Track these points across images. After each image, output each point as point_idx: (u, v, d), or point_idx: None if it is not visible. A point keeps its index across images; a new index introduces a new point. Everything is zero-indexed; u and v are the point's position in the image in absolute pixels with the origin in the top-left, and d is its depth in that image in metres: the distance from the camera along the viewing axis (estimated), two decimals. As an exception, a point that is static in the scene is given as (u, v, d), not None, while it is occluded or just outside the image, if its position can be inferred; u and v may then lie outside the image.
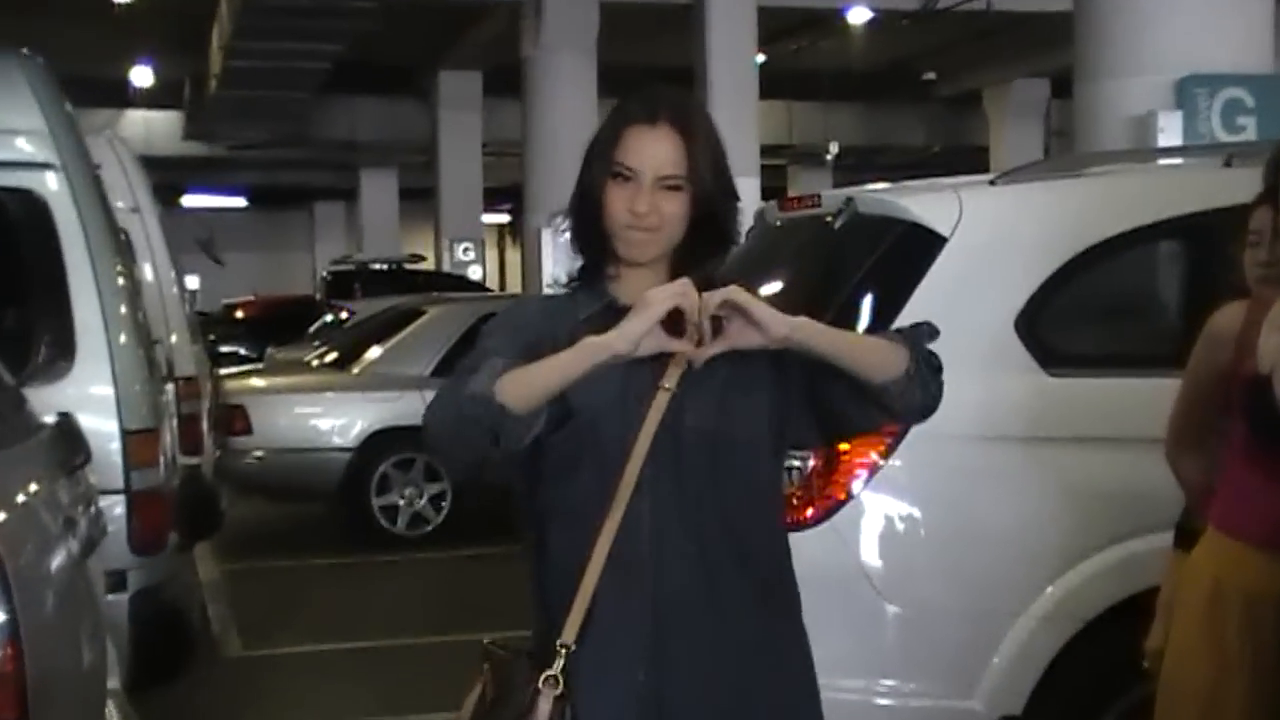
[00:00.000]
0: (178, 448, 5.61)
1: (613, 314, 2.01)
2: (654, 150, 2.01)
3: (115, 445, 3.94)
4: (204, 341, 9.07)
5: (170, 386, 5.87)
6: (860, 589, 3.21)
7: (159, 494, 4.09)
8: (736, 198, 2.07)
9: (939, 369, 2.03)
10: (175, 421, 5.85)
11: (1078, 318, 3.55)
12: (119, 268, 4.05)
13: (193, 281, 22.78)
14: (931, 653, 3.25)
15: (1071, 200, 3.59)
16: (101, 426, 3.85)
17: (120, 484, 3.95)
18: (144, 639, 3.98)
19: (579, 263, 2.10)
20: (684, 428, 1.99)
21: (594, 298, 2.05)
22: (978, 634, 3.25)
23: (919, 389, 1.99)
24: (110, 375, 3.94)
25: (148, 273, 6.27)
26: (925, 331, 2.04)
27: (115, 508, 3.87)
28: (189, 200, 30.03)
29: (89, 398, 3.88)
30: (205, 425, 6.94)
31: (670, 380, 1.98)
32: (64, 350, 3.94)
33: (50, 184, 3.96)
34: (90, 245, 3.94)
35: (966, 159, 22.23)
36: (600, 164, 2.04)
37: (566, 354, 1.90)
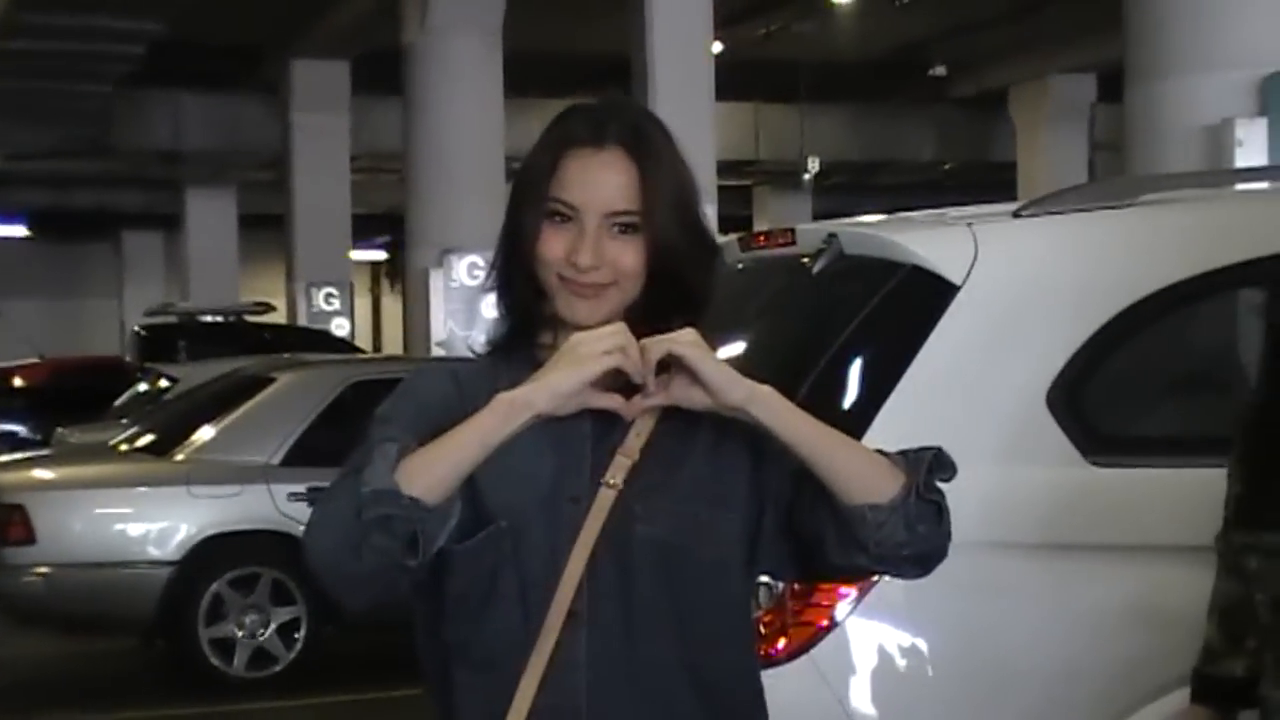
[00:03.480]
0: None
1: None
2: (600, 180, 2.04)
3: None
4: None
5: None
6: (849, 747, 3.23)
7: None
8: (711, 249, 2.11)
9: (941, 512, 2.01)
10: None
11: (1130, 390, 3.62)
12: None
13: (-45, 338, 22.55)
14: (942, 830, 3.28)
15: (1121, 237, 3.67)
16: None
17: None
18: None
19: (504, 326, 2.12)
20: (633, 538, 2.01)
21: (522, 367, 2.06)
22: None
23: (903, 526, 1.97)
24: None
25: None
26: (934, 459, 2.01)
27: None
28: (-49, 228, 29.75)
29: None
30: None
31: (616, 475, 2.01)
32: None
33: None
34: None
35: (987, 178, 22.60)
36: (532, 199, 2.06)
37: (480, 416, 1.94)
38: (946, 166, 26.25)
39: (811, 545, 2.05)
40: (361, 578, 1.92)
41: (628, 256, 2.03)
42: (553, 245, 2.03)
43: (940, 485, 2.00)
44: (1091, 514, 3.38)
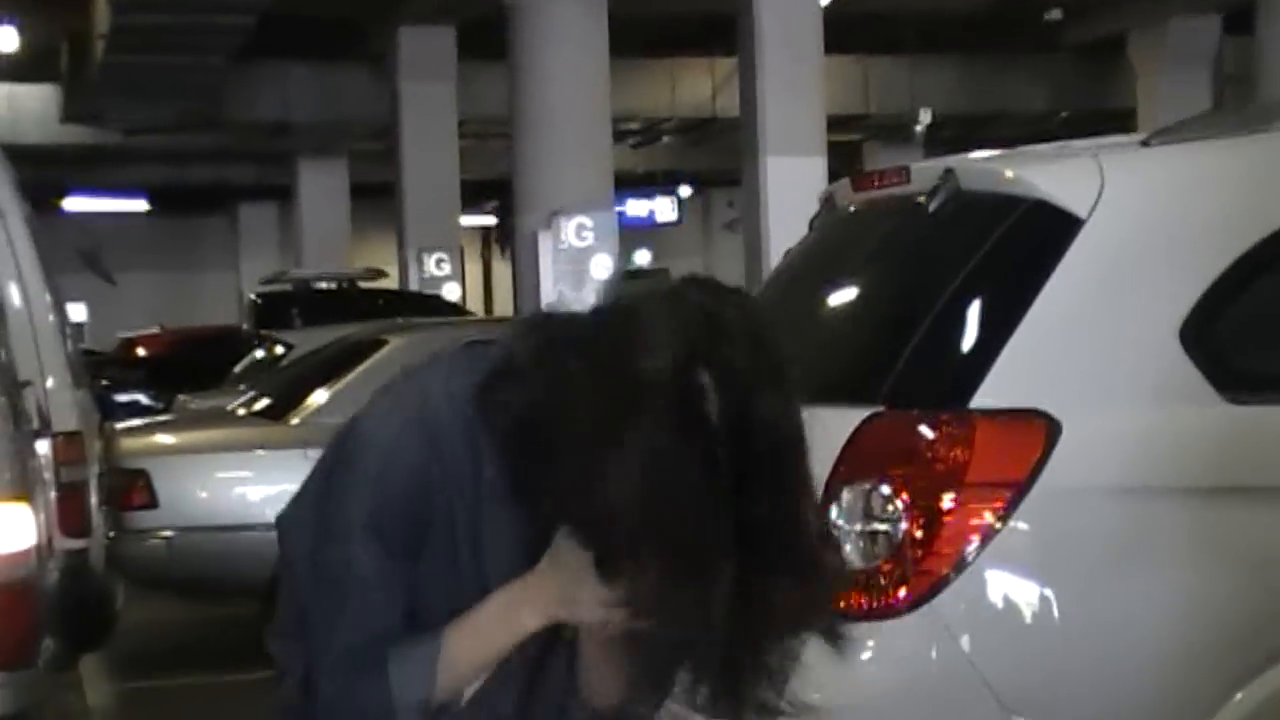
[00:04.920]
0: (55, 527, 5.58)
1: None
2: None
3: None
4: (93, 386, 9.04)
5: (44, 445, 5.86)
6: (976, 699, 3.14)
7: (23, 589, 4.08)
8: None
9: None
10: (51, 492, 5.84)
11: (1269, 325, 3.50)
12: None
13: (78, 311, 22.98)
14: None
15: (1257, 164, 3.56)
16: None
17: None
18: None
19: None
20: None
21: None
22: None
23: None
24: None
25: (12, 295, 6.30)
26: None
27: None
28: (71, 203, 30.29)
29: None
30: (94, 497, 6.92)
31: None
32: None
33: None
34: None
35: (1105, 129, 22.21)
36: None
37: (521, 616, 1.87)
38: (1063, 116, 25.90)
39: None
40: None
41: None
42: None
43: None
44: (1229, 454, 3.28)
